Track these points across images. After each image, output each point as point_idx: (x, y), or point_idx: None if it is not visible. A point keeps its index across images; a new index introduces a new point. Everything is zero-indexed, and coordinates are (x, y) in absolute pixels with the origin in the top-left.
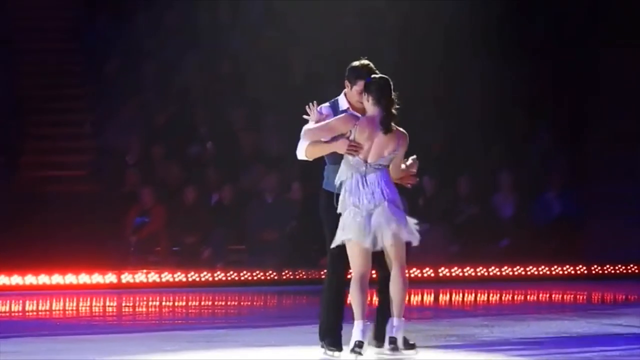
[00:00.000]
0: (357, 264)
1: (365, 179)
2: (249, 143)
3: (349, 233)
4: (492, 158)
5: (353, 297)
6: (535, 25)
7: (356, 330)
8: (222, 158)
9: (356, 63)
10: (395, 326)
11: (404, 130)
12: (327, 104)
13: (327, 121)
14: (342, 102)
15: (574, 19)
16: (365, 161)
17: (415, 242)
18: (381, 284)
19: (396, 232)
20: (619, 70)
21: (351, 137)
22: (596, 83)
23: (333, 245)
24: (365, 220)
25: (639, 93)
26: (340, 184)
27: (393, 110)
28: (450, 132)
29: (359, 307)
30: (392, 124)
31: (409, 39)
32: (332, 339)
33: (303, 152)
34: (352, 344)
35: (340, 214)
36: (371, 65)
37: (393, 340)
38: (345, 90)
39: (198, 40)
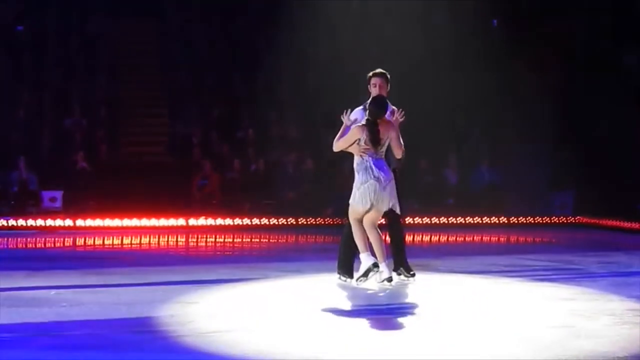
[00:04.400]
0: (357, 215)
1: (374, 163)
2: (277, 130)
3: (365, 201)
4: (441, 144)
5: (356, 235)
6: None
7: (364, 259)
8: (258, 140)
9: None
10: (388, 263)
11: (388, 120)
12: (360, 107)
13: (348, 133)
14: None
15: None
16: (374, 153)
17: (398, 212)
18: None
19: (389, 205)
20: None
21: (361, 143)
22: (509, 98)
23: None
24: (379, 192)
25: (539, 106)
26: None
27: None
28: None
29: (362, 242)
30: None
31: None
32: (345, 269)
33: (337, 148)
34: (362, 270)
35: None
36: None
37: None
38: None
39: (239, 59)
